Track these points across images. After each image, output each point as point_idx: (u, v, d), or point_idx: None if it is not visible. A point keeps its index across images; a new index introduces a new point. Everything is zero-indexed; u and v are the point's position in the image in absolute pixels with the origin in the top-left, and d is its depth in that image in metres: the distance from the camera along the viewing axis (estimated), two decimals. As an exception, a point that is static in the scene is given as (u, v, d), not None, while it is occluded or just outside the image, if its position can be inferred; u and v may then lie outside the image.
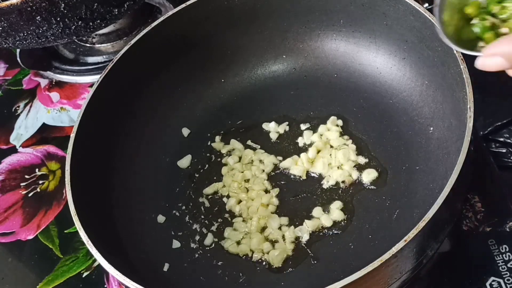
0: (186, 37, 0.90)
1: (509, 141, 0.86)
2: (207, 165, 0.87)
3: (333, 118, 0.86)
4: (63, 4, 0.90)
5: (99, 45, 1.15)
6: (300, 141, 0.86)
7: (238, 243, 0.78)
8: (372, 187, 0.79)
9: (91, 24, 0.96)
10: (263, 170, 0.84)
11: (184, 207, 0.83)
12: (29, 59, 1.12)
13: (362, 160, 0.81)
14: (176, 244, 0.80)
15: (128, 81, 0.87)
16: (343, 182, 0.79)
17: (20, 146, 1.07)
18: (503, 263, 0.74)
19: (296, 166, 0.83)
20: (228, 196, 0.83)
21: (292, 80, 0.92)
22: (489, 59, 0.60)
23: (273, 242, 0.77)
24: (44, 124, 1.09)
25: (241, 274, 0.75)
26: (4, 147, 1.07)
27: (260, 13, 0.90)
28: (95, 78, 1.07)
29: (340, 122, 0.86)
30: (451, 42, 0.62)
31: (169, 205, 0.84)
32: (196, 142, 0.90)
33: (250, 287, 0.74)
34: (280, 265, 0.75)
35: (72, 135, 0.78)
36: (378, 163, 0.81)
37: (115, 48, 1.13)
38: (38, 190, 0.98)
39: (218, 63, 0.93)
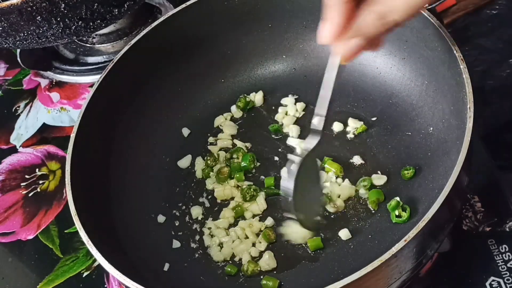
0: (186, 37, 0.90)
1: (509, 141, 0.86)
2: (207, 165, 0.87)
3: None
4: (63, 4, 0.90)
5: (99, 45, 1.15)
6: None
7: (220, 249, 0.78)
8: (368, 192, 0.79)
9: (91, 24, 0.96)
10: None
11: (184, 207, 0.83)
12: (29, 59, 1.12)
13: (358, 160, 0.82)
14: (176, 244, 0.80)
15: (128, 81, 0.87)
16: (334, 206, 0.78)
17: (20, 146, 1.07)
18: (503, 263, 0.74)
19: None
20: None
21: (292, 80, 0.92)
22: (346, 46, 0.57)
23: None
24: (44, 124, 1.09)
25: (241, 274, 0.75)
26: (5, 147, 1.07)
27: (260, 13, 0.90)
28: (95, 78, 1.07)
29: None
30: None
31: (169, 205, 0.84)
32: (196, 142, 0.90)
33: (250, 287, 0.74)
34: (277, 265, 0.75)
35: (72, 135, 0.78)
36: (378, 163, 0.81)
37: (115, 48, 1.13)
38: (38, 190, 0.98)
39: (218, 63, 0.93)
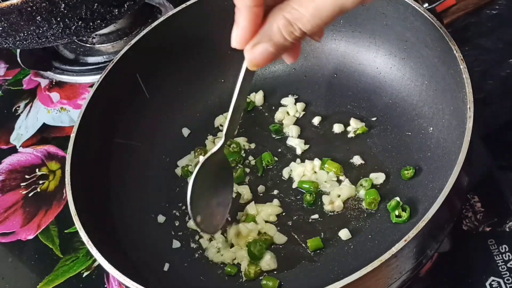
0: (186, 37, 0.90)
1: (509, 141, 0.86)
2: (207, 165, 0.87)
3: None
4: (63, 4, 0.90)
5: (99, 45, 1.15)
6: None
7: (218, 252, 0.78)
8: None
9: (91, 24, 0.96)
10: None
11: (184, 207, 0.83)
12: (29, 59, 1.12)
13: (358, 160, 0.82)
14: (176, 244, 0.80)
15: (128, 81, 0.87)
16: (331, 203, 0.78)
17: (20, 146, 1.07)
18: (503, 263, 0.74)
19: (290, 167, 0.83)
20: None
21: (292, 80, 0.92)
22: (253, 51, 0.56)
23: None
24: (44, 124, 1.09)
25: (241, 274, 0.75)
26: (5, 147, 1.07)
27: (260, 13, 0.90)
28: (95, 78, 1.07)
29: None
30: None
31: (169, 205, 0.84)
32: (196, 142, 0.90)
33: (250, 287, 0.74)
34: (277, 265, 0.75)
35: (72, 135, 0.78)
36: (378, 163, 0.81)
37: (115, 48, 1.13)
38: (38, 190, 0.98)
39: (218, 63, 0.93)
